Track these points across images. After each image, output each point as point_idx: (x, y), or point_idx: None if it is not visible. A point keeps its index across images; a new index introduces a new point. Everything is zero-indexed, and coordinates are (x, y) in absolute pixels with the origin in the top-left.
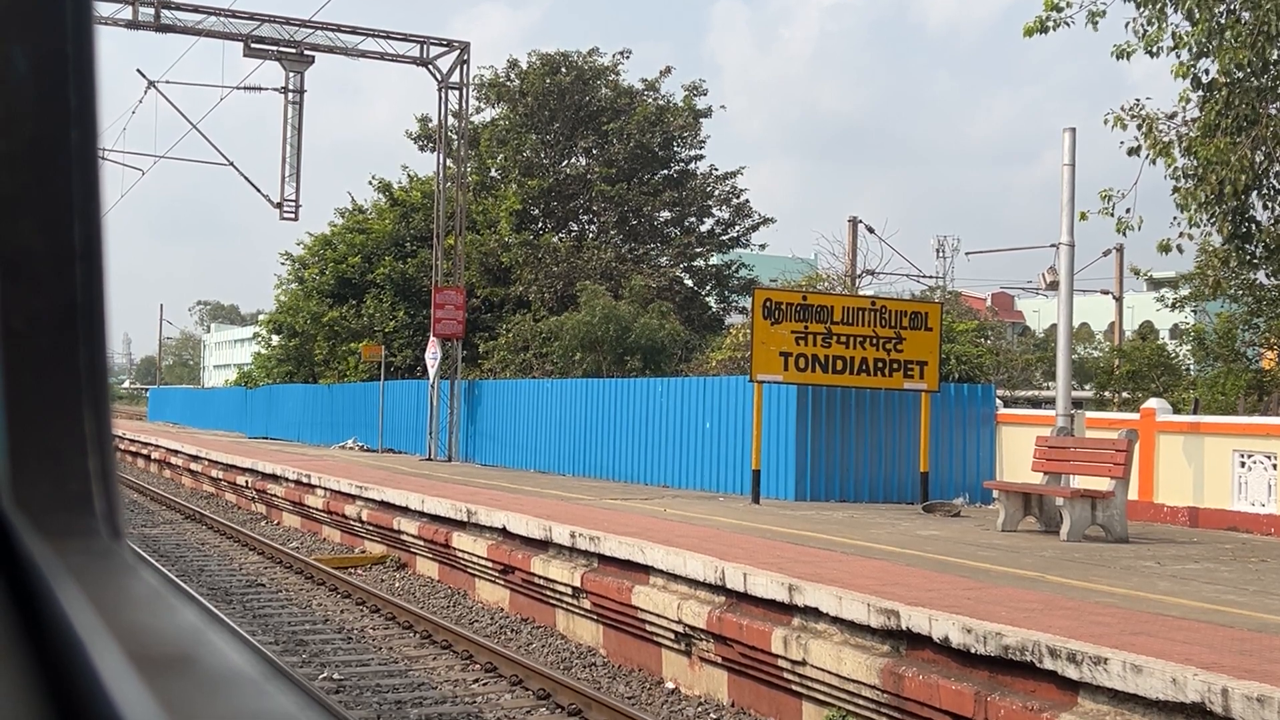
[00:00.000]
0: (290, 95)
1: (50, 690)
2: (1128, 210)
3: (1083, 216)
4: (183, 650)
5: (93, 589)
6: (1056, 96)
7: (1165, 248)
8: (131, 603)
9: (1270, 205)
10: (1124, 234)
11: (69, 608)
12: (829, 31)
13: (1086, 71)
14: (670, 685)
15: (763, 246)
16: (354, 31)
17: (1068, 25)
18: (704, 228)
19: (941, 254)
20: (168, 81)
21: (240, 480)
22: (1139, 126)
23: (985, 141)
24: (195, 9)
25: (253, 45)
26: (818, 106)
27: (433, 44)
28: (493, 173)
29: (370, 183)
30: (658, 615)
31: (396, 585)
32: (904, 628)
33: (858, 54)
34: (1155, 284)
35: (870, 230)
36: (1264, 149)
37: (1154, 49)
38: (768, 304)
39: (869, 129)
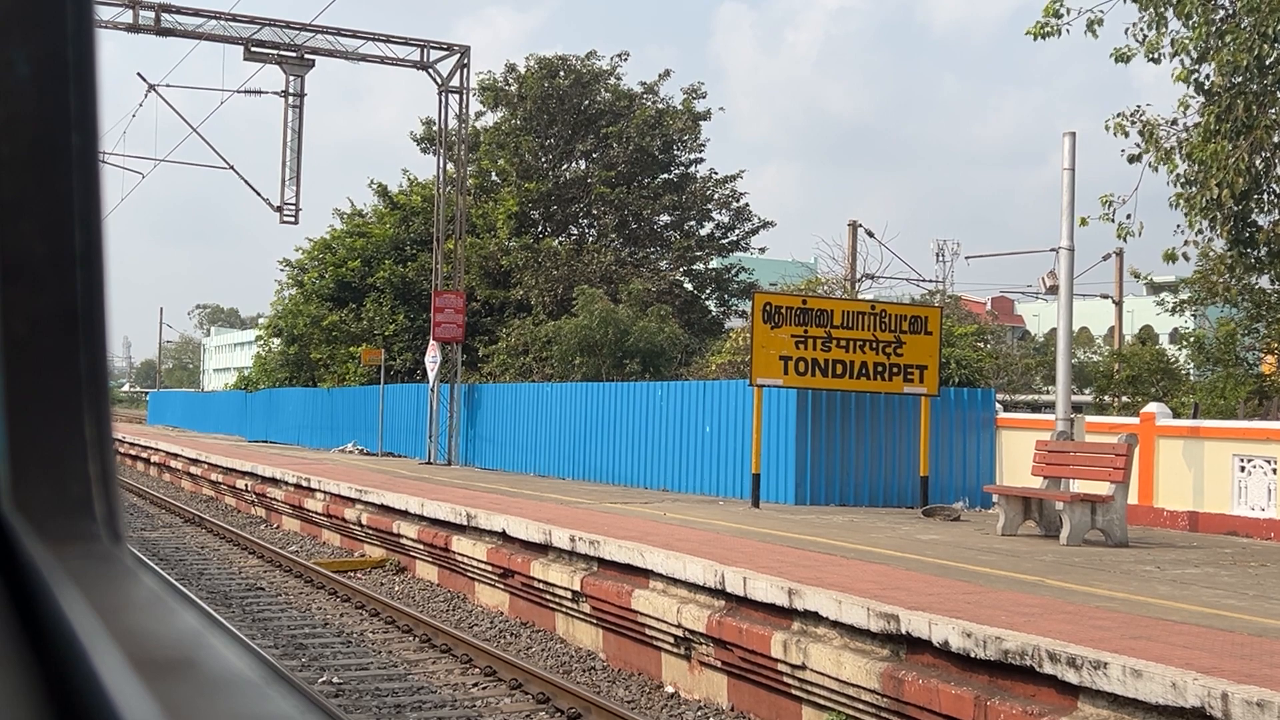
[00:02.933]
0: (290, 99)
1: (51, 694)
2: (1128, 216)
3: (1083, 222)
4: (183, 654)
5: (93, 593)
6: (1064, 99)
7: (1171, 257)
8: (132, 606)
9: (1269, 210)
10: (1124, 239)
11: (69, 611)
12: (833, 34)
13: (1094, 74)
14: (670, 689)
15: (762, 250)
16: (354, 35)
17: (1062, 33)
18: (704, 231)
19: (941, 258)
20: (168, 85)
21: (240, 484)
22: (1140, 132)
23: (991, 144)
24: (196, 13)
25: (253, 49)
26: (823, 109)
27: (433, 48)
28: (493, 176)
29: (369, 186)
30: (657, 619)
31: (396, 589)
32: (904, 632)
33: (863, 57)
34: (1155, 288)
35: (870, 234)
36: (1263, 154)
37: (1155, 55)
38: (767, 308)
39: (873, 132)
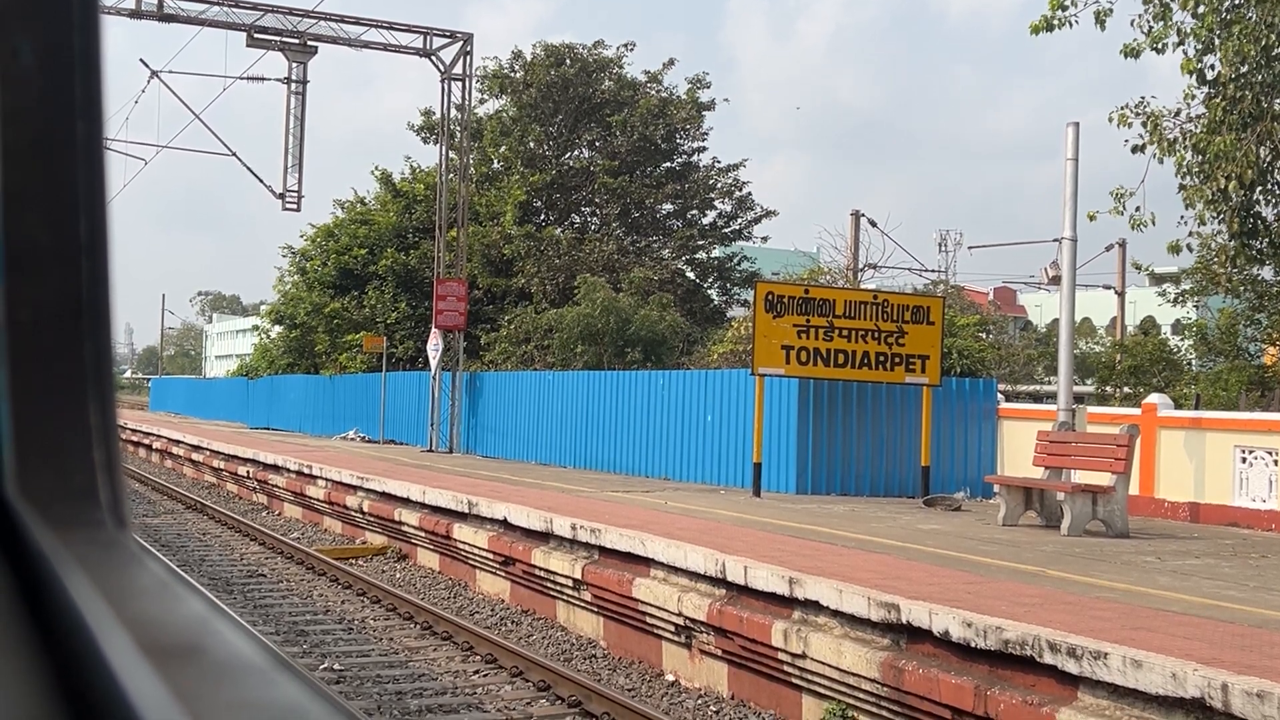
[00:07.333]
0: (293, 85)
1: (60, 679)
2: (1138, 208)
3: (1091, 217)
4: (190, 639)
5: (99, 579)
6: (1078, 91)
7: (1175, 249)
8: (138, 592)
9: (1276, 201)
10: (1141, 230)
11: (76, 597)
12: (845, 24)
13: (1109, 66)
14: (670, 677)
15: (765, 239)
16: (356, 22)
17: (1072, 25)
18: (706, 220)
19: (944, 248)
20: (170, 71)
21: (241, 470)
22: (1144, 124)
23: (1002, 136)
24: None
25: (255, 35)
26: (833, 100)
27: (435, 35)
28: (495, 164)
29: (373, 173)
30: (658, 608)
31: (397, 576)
32: (904, 621)
33: (875, 47)
34: (1157, 279)
35: (873, 224)
36: (1269, 145)
37: (1160, 45)
38: (770, 297)
39: (883, 124)
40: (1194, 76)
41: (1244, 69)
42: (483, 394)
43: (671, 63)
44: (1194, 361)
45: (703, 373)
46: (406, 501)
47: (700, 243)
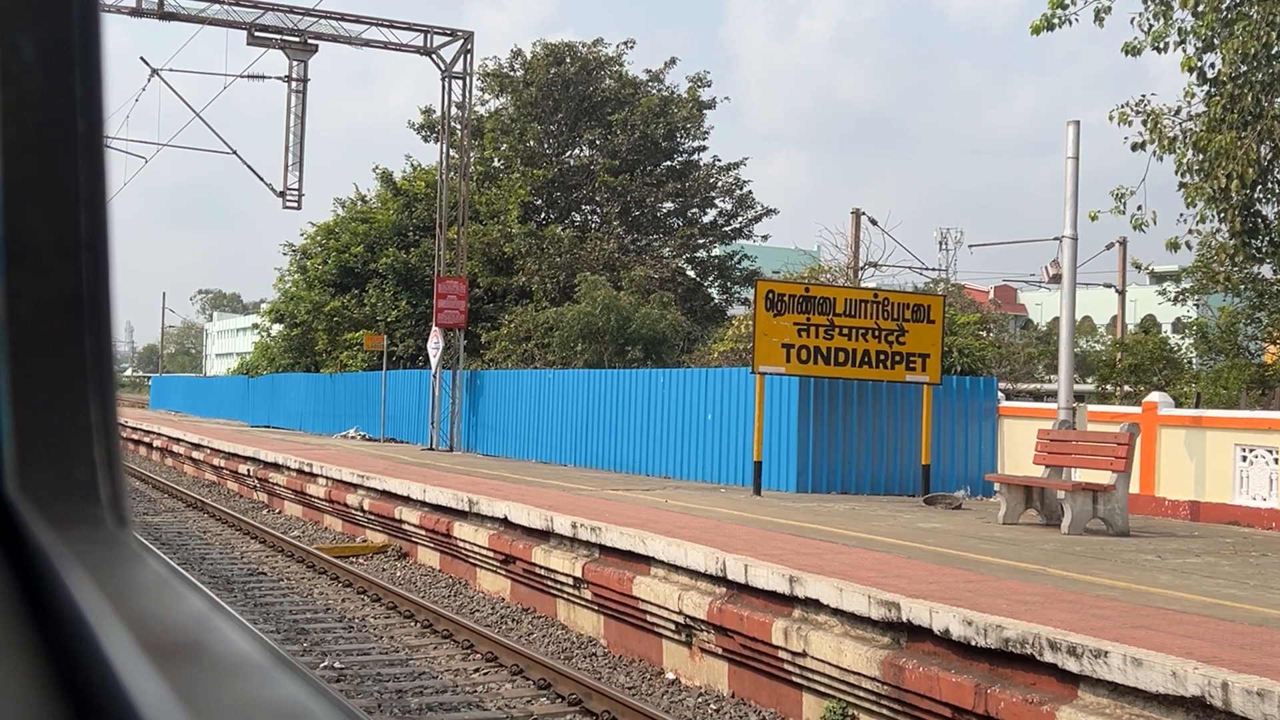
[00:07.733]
0: (294, 84)
1: (60, 676)
2: (1139, 207)
3: (1092, 217)
4: (191, 637)
5: (100, 576)
6: (1081, 88)
7: (1174, 245)
8: (139, 590)
9: (1276, 200)
10: (1143, 230)
11: (76, 594)
12: (847, 21)
13: (1113, 62)
14: (671, 676)
15: (765, 238)
16: (357, 20)
17: (1071, 23)
18: (706, 219)
19: (944, 246)
20: (171, 69)
21: (242, 469)
22: (1144, 122)
23: (1005, 134)
24: None
25: (256, 34)
26: (834, 97)
27: (436, 33)
28: (496, 163)
29: (373, 171)
30: (659, 606)
31: (398, 574)
32: (905, 620)
33: (876, 44)
34: (1158, 278)
35: (873, 222)
36: (1270, 143)
37: (1160, 44)
38: (770, 295)
39: (885, 121)
40: (1194, 74)
41: (1244, 67)
42: (483, 392)
43: (673, 61)
44: (1194, 360)
45: (703, 371)
46: (407, 500)
47: (701, 241)
